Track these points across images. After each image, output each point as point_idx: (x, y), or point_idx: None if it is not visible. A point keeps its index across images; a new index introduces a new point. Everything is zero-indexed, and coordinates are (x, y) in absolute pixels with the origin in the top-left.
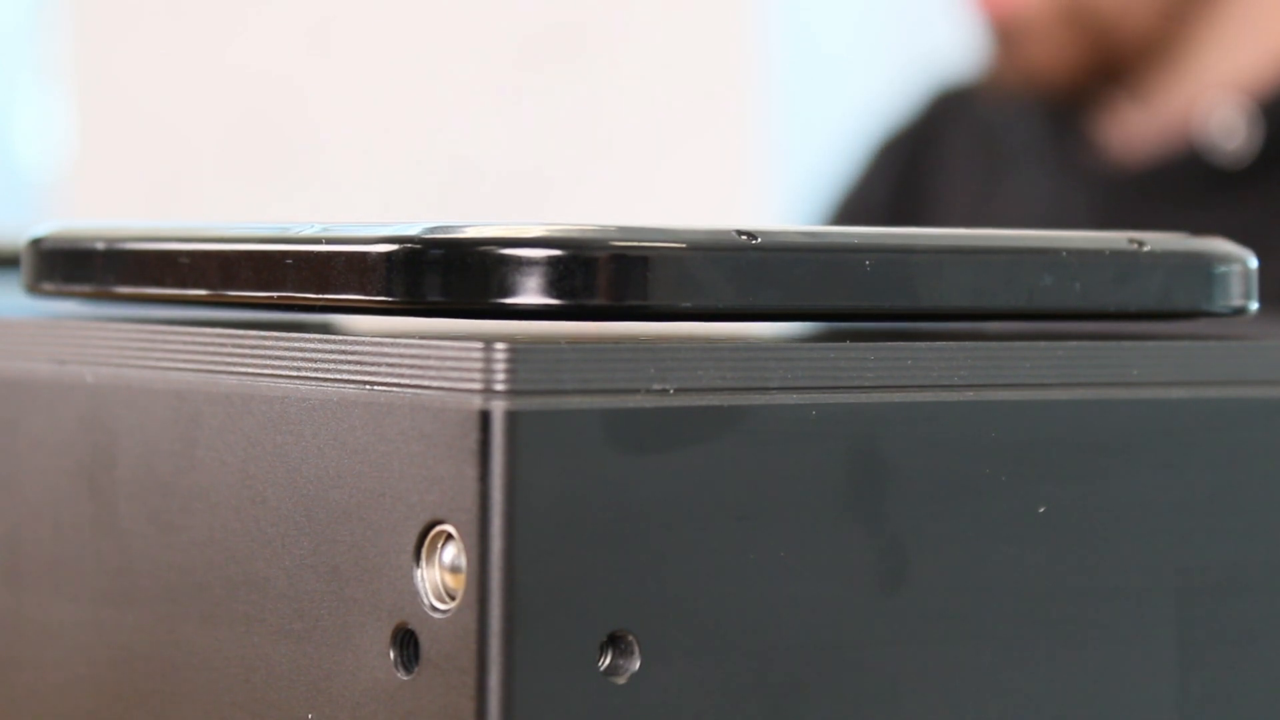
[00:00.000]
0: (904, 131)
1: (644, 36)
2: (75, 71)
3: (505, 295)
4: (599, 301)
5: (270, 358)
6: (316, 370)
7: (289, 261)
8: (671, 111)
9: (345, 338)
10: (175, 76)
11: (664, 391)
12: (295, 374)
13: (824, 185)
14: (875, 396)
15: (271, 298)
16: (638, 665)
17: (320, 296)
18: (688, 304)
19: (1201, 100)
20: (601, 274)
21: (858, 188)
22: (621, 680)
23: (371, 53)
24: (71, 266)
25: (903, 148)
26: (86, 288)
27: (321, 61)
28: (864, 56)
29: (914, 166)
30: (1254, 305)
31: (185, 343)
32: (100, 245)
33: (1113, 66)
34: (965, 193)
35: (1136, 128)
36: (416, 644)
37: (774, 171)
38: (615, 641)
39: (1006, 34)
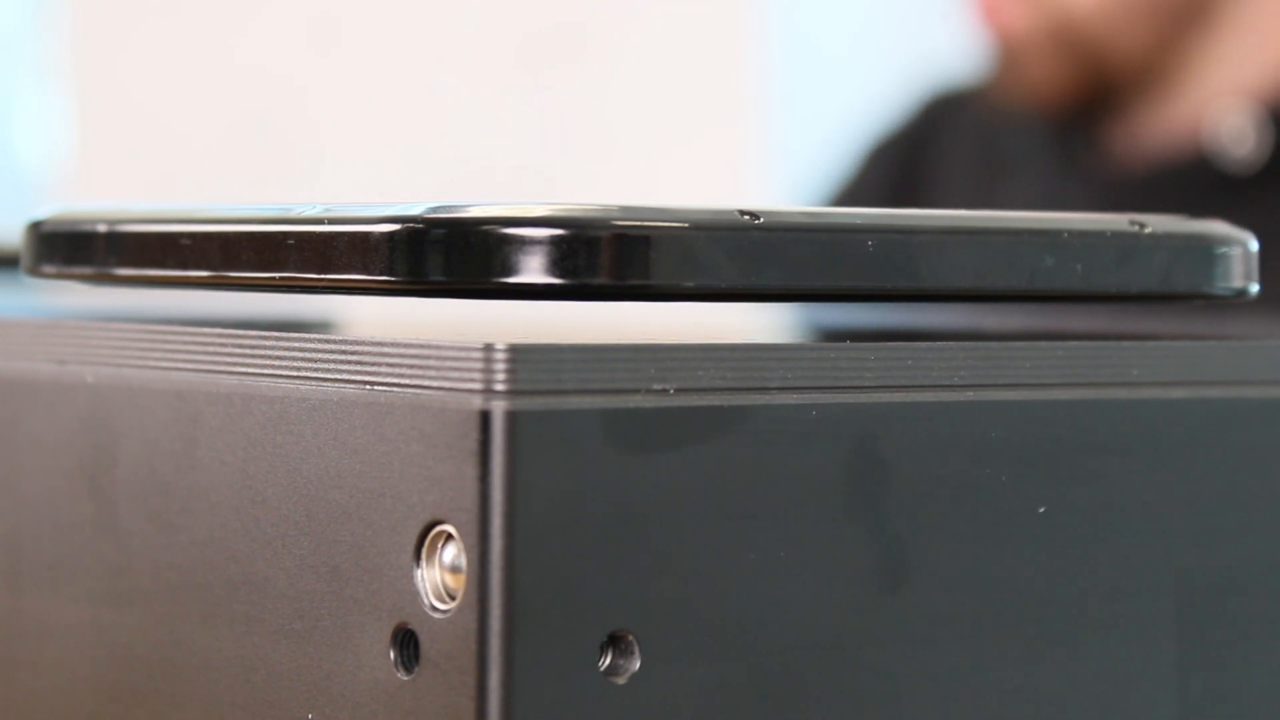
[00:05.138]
0: (897, 136)
1: (645, 37)
2: (75, 71)
3: (508, 274)
4: (602, 281)
5: (270, 358)
6: (316, 370)
7: (291, 242)
8: (671, 112)
9: (345, 338)
10: (175, 76)
11: (664, 391)
12: (295, 374)
13: (822, 187)
14: (875, 396)
15: (273, 279)
16: (638, 665)
17: (322, 277)
18: (690, 284)
19: (1211, 106)
20: (604, 253)
21: (851, 191)
22: (621, 680)
23: (372, 52)
24: (72, 249)
25: (896, 152)
26: (87, 270)
27: (322, 61)
28: (863, 58)
29: (908, 171)
30: (1254, 287)
31: (185, 343)
32: (101, 227)
33: (1106, 89)
34: (962, 196)
35: (1144, 132)
36: (416, 644)
37: (773, 172)
38: (615, 641)
39: (1005, 53)
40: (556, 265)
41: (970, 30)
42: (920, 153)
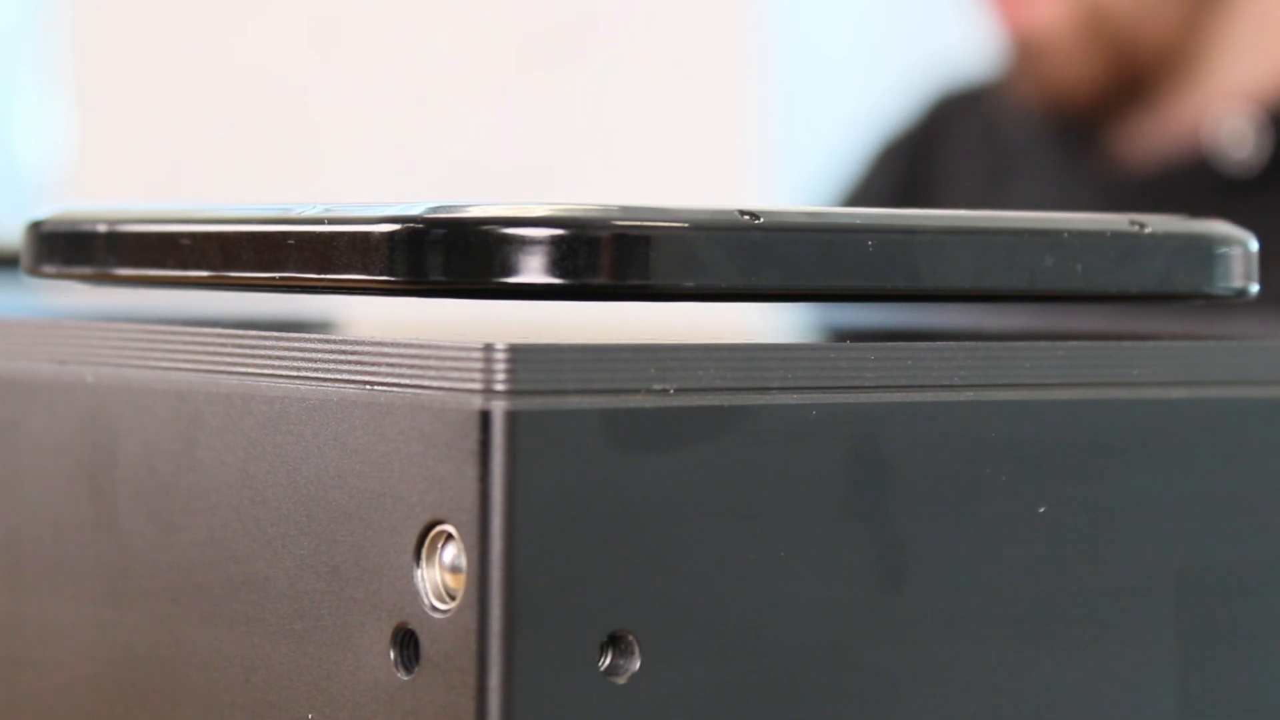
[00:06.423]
0: (905, 135)
1: (645, 37)
2: (75, 71)
3: (508, 274)
4: (602, 281)
5: (270, 358)
6: (316, 370)
7: (291, 242)
8: (672, 112)
9: (345, 338)
10: (175, 76)
11: (664, 391)
12: (295, 374)
13: (824, 187)
14: (875, 396)
15: (273, 279)
16: (638, 665)
17: (322, 277)
18: (690, 283)
19: (1211, 109)
20: (604, 253)
21: (858, 191)
22: (621, 680)
23: (372, 52)
24: (72, 249)
25: (904, 152)
26: (87, 270)
27: (322, 61)
28: (864, 58)
29: (915, 170)
30: (1254, 287)
31: (185, 343)
32: (101, 227)
33: (1133, 81)
34: (968, 197)
35: (1146, 135)
36: (416, 644)
37: (774, 173)
38: (615, 641)
39: (1027, 51)
40: (556, 265)
41: (978, 28)
42: (929, 152)
